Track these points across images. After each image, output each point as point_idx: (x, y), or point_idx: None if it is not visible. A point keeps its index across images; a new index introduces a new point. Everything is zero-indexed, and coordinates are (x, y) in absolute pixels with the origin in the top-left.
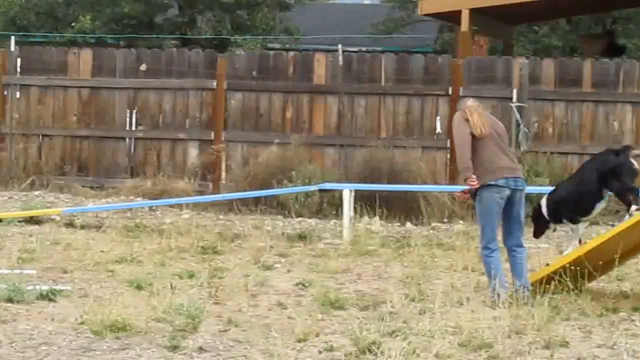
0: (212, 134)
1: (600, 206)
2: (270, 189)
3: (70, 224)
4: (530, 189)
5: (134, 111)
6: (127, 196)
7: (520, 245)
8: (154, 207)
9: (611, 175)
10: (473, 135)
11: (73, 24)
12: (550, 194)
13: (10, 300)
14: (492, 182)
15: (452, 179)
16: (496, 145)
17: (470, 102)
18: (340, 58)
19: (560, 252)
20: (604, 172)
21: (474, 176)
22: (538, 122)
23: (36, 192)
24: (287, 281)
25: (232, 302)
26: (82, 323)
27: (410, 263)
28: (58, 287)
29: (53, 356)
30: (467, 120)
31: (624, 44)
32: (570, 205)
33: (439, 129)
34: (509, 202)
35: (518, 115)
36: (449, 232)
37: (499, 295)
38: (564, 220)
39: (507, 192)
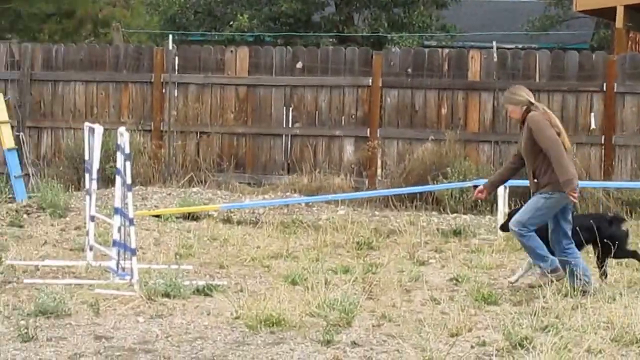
0: (368, 130)
1: None
2: (426, 185)
3: (227, 220)
4: None
5: (290, 108)
6: (284, 192)
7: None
8: (310, 203)
9: (606, 239)
10: None
11: (231, 22)
12: None
13: (167, 295)
14: None
15: (607, 175)
16: (565, 151)
17: (534, 100)
18: (495, 55)
19: None
20: (596, 236)
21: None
22: None
23: (194, 189)
24: (441, 276)
25: (386, 297)
26: (237, 318)
27: None
28: (214, 282)
29: (208, 350)
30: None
31: None
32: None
33: (593, 125)
34: (567, 206)
35: None
36: None
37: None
38: None
39: None
